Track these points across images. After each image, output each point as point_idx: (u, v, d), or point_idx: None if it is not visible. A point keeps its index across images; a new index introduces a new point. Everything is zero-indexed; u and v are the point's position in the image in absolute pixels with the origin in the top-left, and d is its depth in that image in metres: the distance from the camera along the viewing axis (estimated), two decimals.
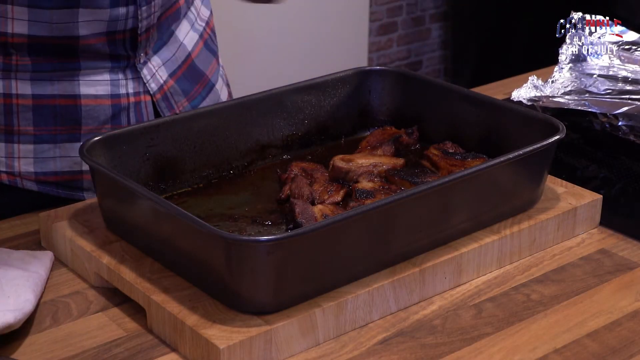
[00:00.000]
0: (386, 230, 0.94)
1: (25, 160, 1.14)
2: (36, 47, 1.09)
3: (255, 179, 1.14)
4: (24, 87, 1.11)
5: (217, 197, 1.09)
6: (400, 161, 1.14)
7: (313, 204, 1.04)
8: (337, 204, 1.05)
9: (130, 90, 1.17)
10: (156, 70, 1.20)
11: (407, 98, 1.24)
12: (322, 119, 1.22)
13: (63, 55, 1.12)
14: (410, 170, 1.10)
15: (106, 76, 1.15)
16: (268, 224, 1.03)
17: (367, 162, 1.12)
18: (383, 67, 1.27)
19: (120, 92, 1.16)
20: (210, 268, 0.90)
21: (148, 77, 1.19)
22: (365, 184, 1.07)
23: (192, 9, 1.27)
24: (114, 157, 1.04)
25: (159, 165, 1.08)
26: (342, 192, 1.07)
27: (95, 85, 1.14)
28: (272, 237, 0.86)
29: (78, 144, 1.13)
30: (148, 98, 1.19)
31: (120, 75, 1.16)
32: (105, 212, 1.02)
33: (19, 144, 1.13)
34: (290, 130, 1.19)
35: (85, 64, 1.13)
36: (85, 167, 1.14)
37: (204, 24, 1.29)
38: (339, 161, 1.12)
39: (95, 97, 1.14)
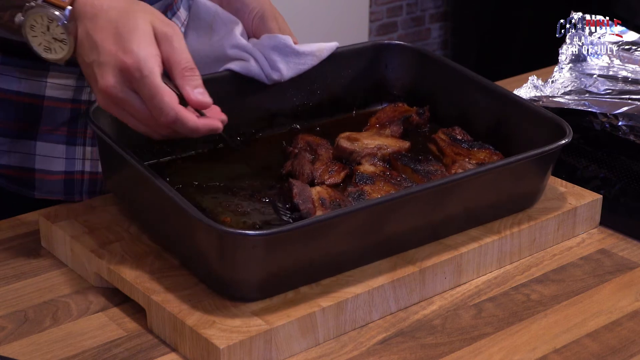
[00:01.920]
0: (376, 229, 0.94)
1: None
2: (8, 43, 1.10)
3: (262, 148, 1.14)
4: None
5: (220, 166, 1.09)
6: (406, 144, 1.13)
7: (313, 183, 1.04)
8: (336, 185, 1.05)
9: (92, 99, 1.17)
10: None
11: (423, 77, 1.23)
12: (334, 89, 1.20)
13: (33, 56, 1.11)
14: (414, 156, 1.09)
15: (72, 82, 1.15)
16: (265, 200, 1.03)
17: (372, 144, 1.11)
18: (402, 43, 1.26)
19: (82, 99, 1.16)
20: (196, 251, 0.91)
21: None
22: (367, 167, 1.07)
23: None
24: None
25: None
26: (343, 174, 1.07)
27: (61, 88, 1.14)
28: (258, 232, 0.87)
29: (33, 142, 1.15)
30: None
31: (87, 83, 1.15)
32: (106, 173, 1.05)
33: None
34: (301, 99, 1.19)
35: (54, 67, 1.13)
36: (38, 165, 1.16)
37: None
38: (343, 141, 1.11)
39: (58, 99, 1.15)
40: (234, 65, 1.14)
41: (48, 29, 0.94)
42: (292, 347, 0.88)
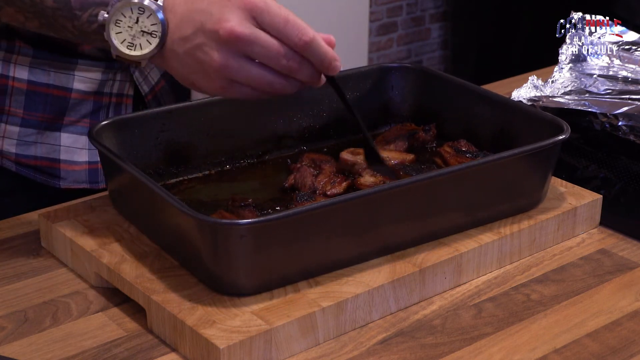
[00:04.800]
0: (368, 223, 0.94)
1: (8, 140, 1.18)
2: (39, 37, 1.14)
3: (268, 169, 1.14)
4: (21, 72, 1.16)
5: (226, 185, 1.10)
6: (409, 157, 1.13)
7: (315, 194, 1.05)
8: (338, 195, 1.05)
9: (114, 91, 1.21)
10: (148, 73, 1.24)
11: (429, 96, 1.23)
12: (341, 112, 1.20)
13: (63, 51, 1.16)
14: (416, 165, 1.10)
15: (98, 75, 1.19)
16: (264, 212, 1.03)
17: None
18: (406, 64, 1.26)
19: (104, 91, 1.20)
20: (190, 248, 0.91)
21: (140, 80, 1.23)
22: (367, 178, 1.07)
23: None
24: (125, 139, 1.06)
25: (170, 150, 1.09)
26: (344, 184, 1.07)
27: (87, 82, 1.18)
28: (245, 221, 0.87)
29: (58, 133, 1.18)
30: (129, 101, 1.23)
31: (110, 76, 1.20)
32: (110, 188, 1.07)
33: (6, 124, 1.17)
34: (307, 122, 1.19)
35: (82, 61, 1.17)
36: (63, 156, 1.19)
37: None
38: (345, 154, 1.11)
39: (84, 92, 1.18)
40: None
41: (137, 21, 0.93)
42: (292, 347, 0.88)
